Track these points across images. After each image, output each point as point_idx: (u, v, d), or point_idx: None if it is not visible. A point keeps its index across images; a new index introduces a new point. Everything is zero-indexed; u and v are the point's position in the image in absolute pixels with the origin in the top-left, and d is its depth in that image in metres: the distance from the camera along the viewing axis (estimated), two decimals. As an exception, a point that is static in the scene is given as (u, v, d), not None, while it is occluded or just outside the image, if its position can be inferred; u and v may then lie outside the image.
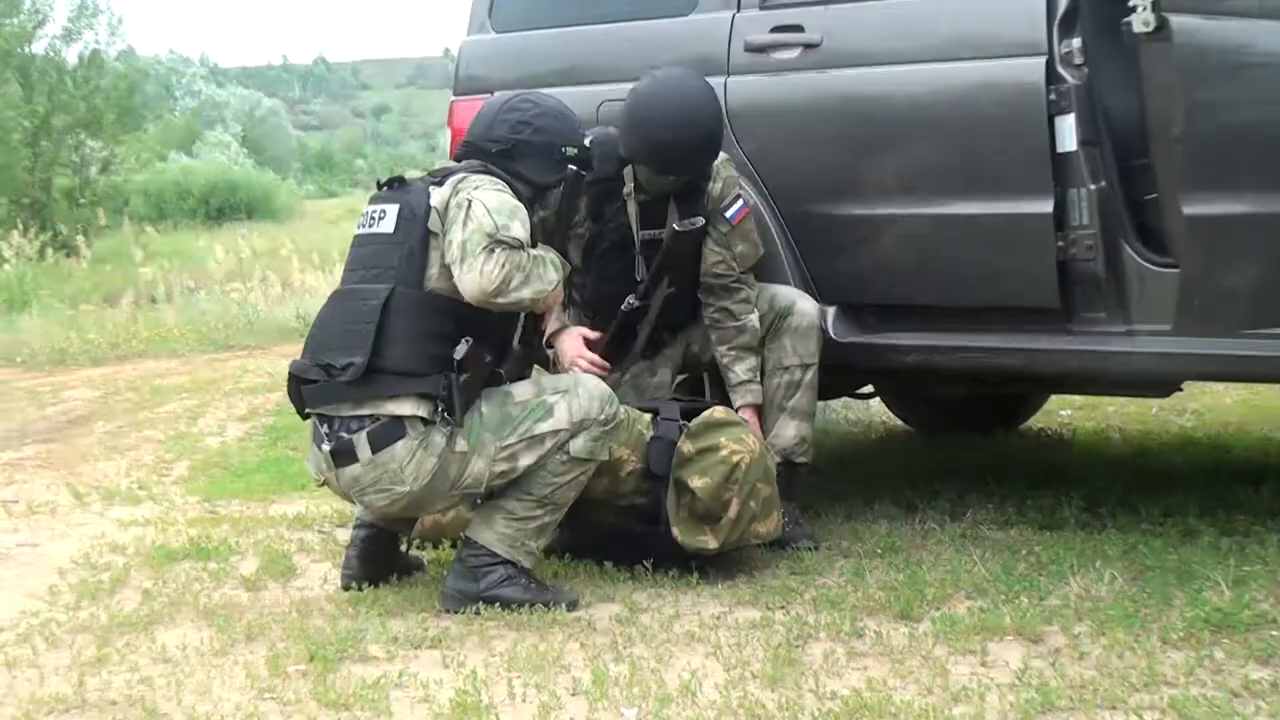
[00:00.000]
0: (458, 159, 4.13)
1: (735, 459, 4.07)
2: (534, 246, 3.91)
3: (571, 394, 3.93)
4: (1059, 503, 4.64)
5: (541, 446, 3.87)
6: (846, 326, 4.54)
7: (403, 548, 4.29)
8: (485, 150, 4.04)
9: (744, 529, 4.10)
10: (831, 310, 4.53)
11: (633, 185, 4.43)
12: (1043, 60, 4.13)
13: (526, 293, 3.79)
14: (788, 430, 4.48)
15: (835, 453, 5.86)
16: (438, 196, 3.87)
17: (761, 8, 4.64)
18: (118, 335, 10.45)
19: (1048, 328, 4.27)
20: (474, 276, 3.73)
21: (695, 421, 4.16)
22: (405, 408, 3.79)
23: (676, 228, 4.38)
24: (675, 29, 4.75)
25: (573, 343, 4.38)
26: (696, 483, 4.06)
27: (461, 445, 3.83)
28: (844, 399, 6.02)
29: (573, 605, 3.88)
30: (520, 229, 3.80)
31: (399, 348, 3.80)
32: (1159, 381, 4.59)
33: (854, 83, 4.45)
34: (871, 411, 6.48)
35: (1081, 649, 3.37)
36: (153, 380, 8.59)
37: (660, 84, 4.38)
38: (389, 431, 3.79)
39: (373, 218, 3.97)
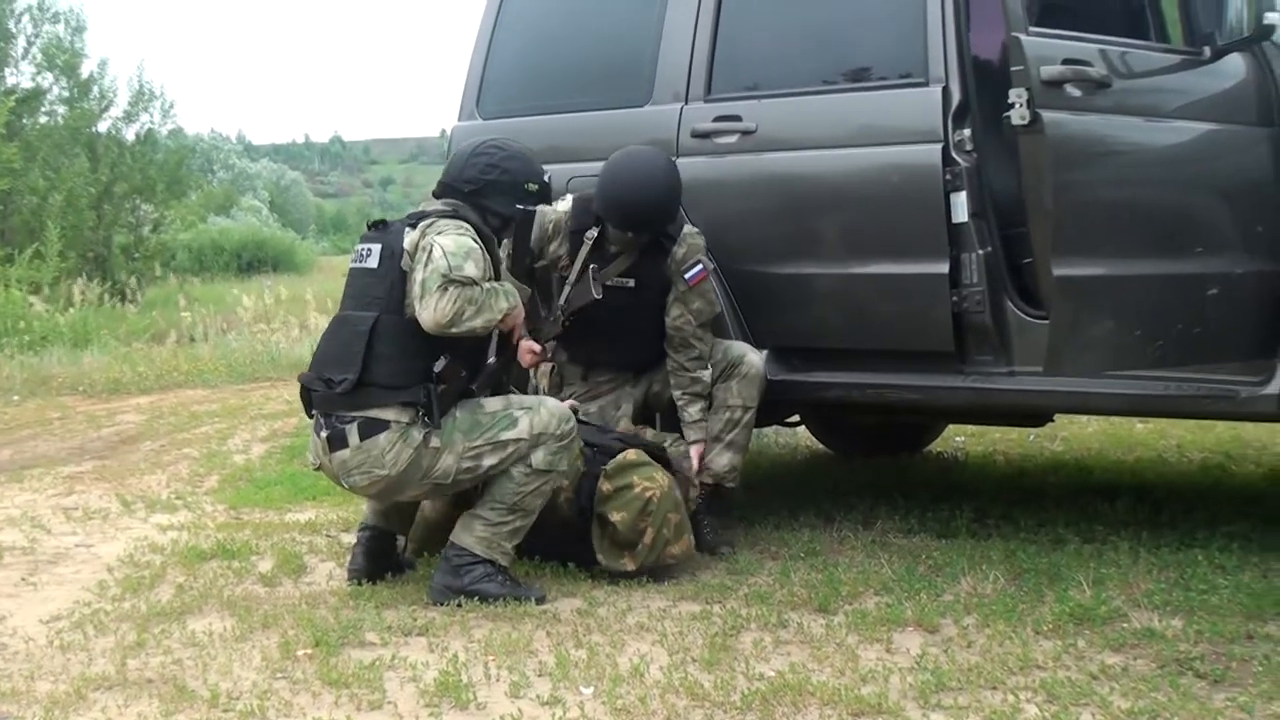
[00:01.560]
0: (436, 195, 4.12)
1: (648, 494, 4.05)
2: (496, 278, 3.93)
3: (534, 411, 3.92)
4: (953, 515, 4.63)
5: (504, 450, 3.86)
6: (777, 366, 4.53)
7: (400, 546, 4.26)
8: (459, 190, 4.04)
9: (659, 552, 4.07)
10: (764, 353, 4.52)
11: (596, 234, 4.42)
12: (939, 147, 4.15)
13: (478, 322, 3.80)
14: (722, 459, 4.46)
15: (767, 472, 5.85)
16: (409, 240, 3.87)
17: (706, 100, 4.64)
18: (162, 369, 10.34)
19: (944, 368, 4.28)
20: (429, 312, 3.73)
21: (611, 463, 4.10)
22: (389, 414, 3.80)
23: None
24: (633, 118, 4.74)
25: (525, 343, 4.31)
26: (615, 517, 4.04)
27: (435, 442, 3.82)
28: (774, 427, 6.01)
29: (540, 599, 3.85)
30: (473, 268, 3.79)
31: (384, 365, 3.81)
32: (1035, 413, 4.61)
33: (784, 164, 4.47)
34: (797, 437, 6.47)
35: (969, 638, 3.38)
36: (190, 407, 8.50)
37: (627, 156, 4.41)
38: (375, 425, 3.80)
39: (362, 255, 3.97)
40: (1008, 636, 3.35)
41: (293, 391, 8.59)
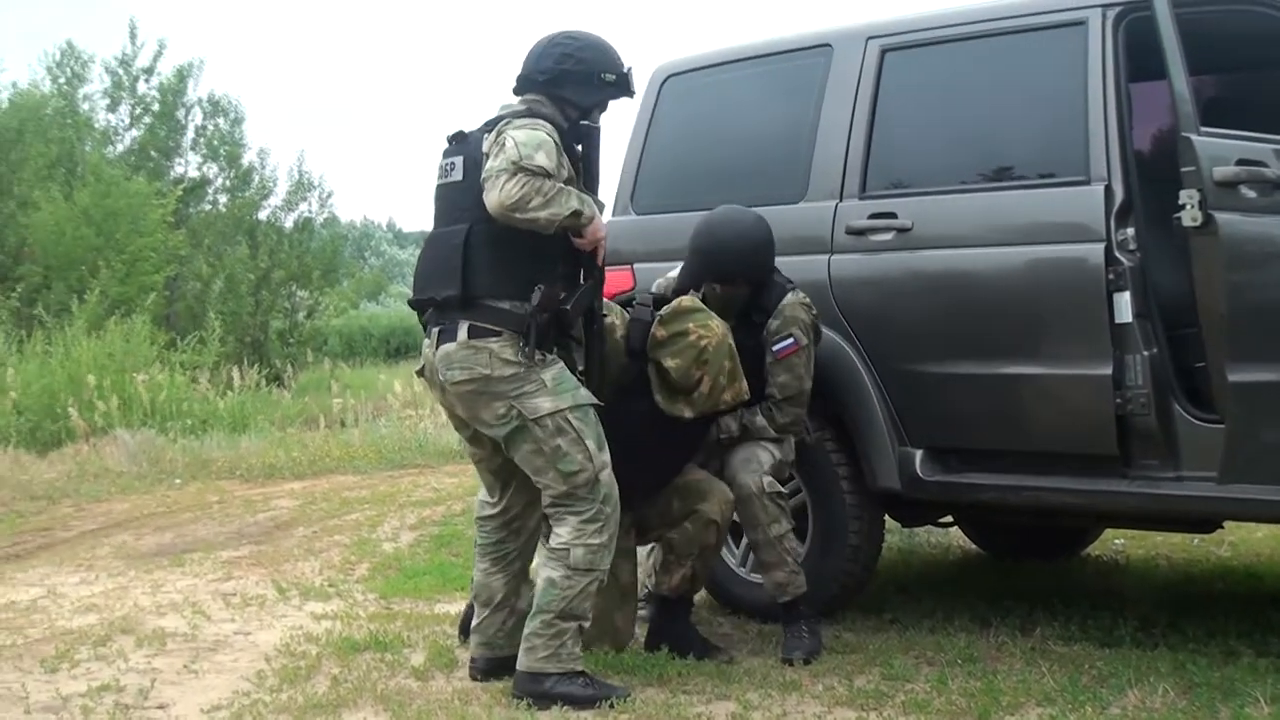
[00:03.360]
0: (516, 92, 4.05)
1: (703, 343, 4.06)
2: (570, 184, 3.81)
3: (608, 470, 3.85)
4: (1115, 623, 4.46)
5: (575, 451, 3.79)
6: (932, 467, 4.44)
7: None
8: (535, 80, 3.98)
9: (716, 399, 4.09)
10: (919, 453, 4.44)
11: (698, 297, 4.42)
12: (1102, 246, 4.07)
13: (544, 214, 3.66)
14: (765, 581, 4.40)
15: (919, 573, 5.72)
16: (486, 143, 3.81)
17: (861, 197, 4.61)
18: (315, 454, 10.55)
19: (1107, 472, 4.15)
20: (495, 193, 3.65)
21: (666, 310, 4.14)
22: (498, 325, 3.77)
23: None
24: (787, 214, 4.68)
25: None
26: (670, 363, 4.06)
27: (547, 375, 3.78)
28: (927, 527, 5.88)
29: (624, 696, 3.79)
30: (544, 159, 3.69)
31: (484, 276, 3.78)
32: (1205, 520, 4.44)
33: (941, 262, 4.40)
34: (950, 537, 6.32)
35: (1141, 758, 3.23)
36: (342, 492, 8.64)
37: (720, 210, 4.47)
38: (486, 331, 3.77)
39: (446, 170, 3.96)
40: (1183, 757, 3.19)
41: (441, 479, 8.70)
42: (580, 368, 3.96)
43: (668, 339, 4.08)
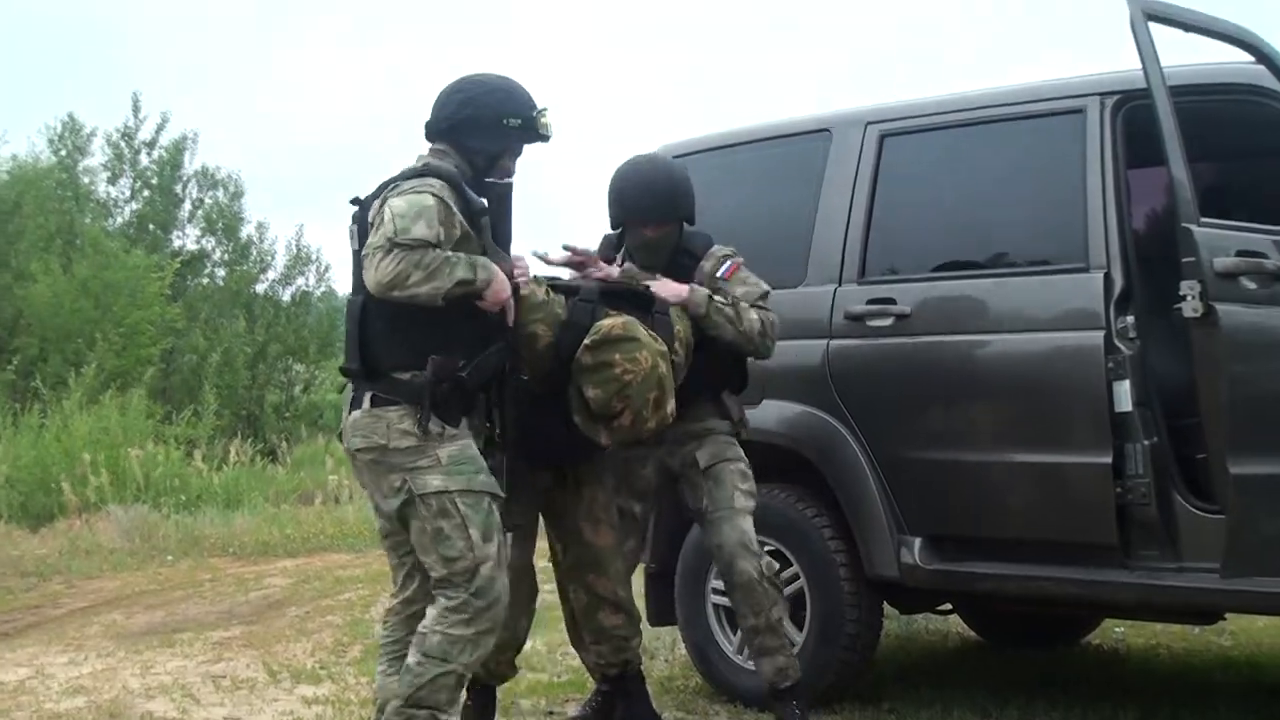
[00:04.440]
0: (426, 138, 3.90)
1: (627, 378, 3.83)
2: (469, 239, 3.63)
3: (496, 566, 3.62)
4: (1116, 713, 4.41)
5: (458, 535, 3.54)
6: (930, 555, 4.38)
7: None
8: (439, 127, 3.84)
9: (639, 430, 3.94)
10: (917, 540, 4.39)
11: (623, 258, 4.43)
12: (1102, 334, 4.06)
13: (424, 289, 3.44)
14: (765, 667, 4.33)
15: (918, 661, 5.65)
16: (372, 212, 3.64)
17: (859, 283, 4.61)
18: (309, 531, 10.50)
19: (1107, 562, 4.10)
20: (371, 272, 3.46)
21: (595, 336, 3.86)
22: (398, 394, 3.61)
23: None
24: (786, 298, 4.63)
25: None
26: (590, 393, 3.85)
27: (444, 453, 3.57)
28: (926, 613, 5.82)
29: None
30: (423, 229, 3.45)
31: (379, 347, 3.63)
32: (1206, 612, 4.39)
33: (940, 348, 4.39)
34: (948, 624, 6.26)
35: None
36: (335, 571, 8.58)
37: (630, 158, 4.45)
38: (386, 400, 3.59)
39: (350, 236, 3.79)
40: None
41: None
42: (498, 430, 3.79)
43: (592, 367, 3.86)
